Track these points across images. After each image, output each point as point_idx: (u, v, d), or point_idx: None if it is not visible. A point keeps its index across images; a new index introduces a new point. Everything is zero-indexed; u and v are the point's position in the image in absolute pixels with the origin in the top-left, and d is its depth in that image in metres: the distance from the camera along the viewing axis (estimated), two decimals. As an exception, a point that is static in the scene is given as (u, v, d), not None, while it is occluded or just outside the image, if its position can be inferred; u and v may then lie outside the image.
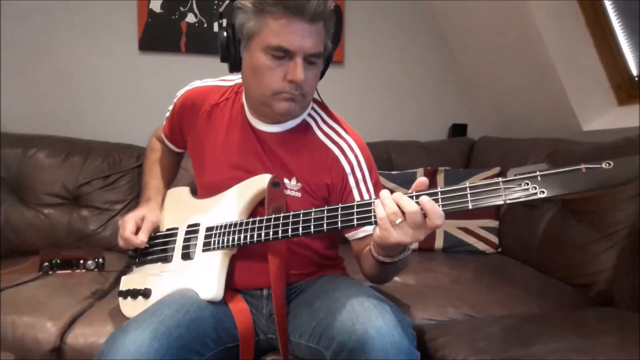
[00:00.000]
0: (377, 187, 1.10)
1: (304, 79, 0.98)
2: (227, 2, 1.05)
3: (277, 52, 0.97)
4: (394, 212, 0.79)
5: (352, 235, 1.08)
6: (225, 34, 1.02)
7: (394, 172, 2.05)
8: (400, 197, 0.80)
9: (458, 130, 2.44)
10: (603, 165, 0.68)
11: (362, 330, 0.83)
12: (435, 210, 0.77)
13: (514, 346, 1.05)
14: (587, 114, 1.90)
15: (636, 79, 1.79)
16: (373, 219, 0.85)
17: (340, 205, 0.90)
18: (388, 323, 0.84)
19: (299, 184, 1.08)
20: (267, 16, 0.96)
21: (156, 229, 1.18)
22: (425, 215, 0.78)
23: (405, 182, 1.98)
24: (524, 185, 0.73)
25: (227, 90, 1.18)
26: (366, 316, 0.85)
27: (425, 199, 0.78)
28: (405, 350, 0.83)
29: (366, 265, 1.03)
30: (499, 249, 1.87)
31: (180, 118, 1.21)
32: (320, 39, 1.00)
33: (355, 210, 0.88)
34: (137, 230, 1.14)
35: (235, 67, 1.06)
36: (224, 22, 1.03)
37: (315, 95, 1.14)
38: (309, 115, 1.14)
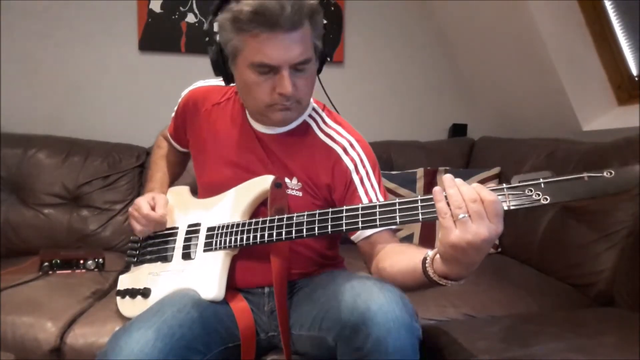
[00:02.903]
0: (381, 185, 1.10)
1: (293, 90, 0.97)
2: (209, 18, 1.03)
3: (262, 68, 0.96)
4: (459, 205, 0.72)
5: (357, 236, 1.06)
6: (213, 51, 1.02)
7: (394, 172, 2.05)
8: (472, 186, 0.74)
9: (458, 130, 2.44)
10: (605, 174, 0.70)
11: (364, 306, 0.83)
12: (493, 197, 0.72)
13: (514, 346, 1.05)
14: (587, 114, 1.90)
15: (636, 79, 1.79)
16: (378, 222, 0.85)
17: (345, 207, 0.90)
18: (389, 298, 0.84)
19: (299, 184, 1.08)
20: (245, 34, 0.95)
21: (163, 223, 1.18)
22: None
23: (405, 182, 1.98)
24: (528, 192, 0.74)
25: (229, 90, 1.18)
26: (367, 293, 0.86)
27: (479, 186, 0.73)
28: (407, 325, 0.83)
29: (398, 276, 0.93)
30: (499, 249, 1.87)
31: (183, 118, 1.22)
32: (305, 45, 0.97)
33: (360, 212, 0.88)
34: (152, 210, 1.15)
35: (229, 80, 1.06)
36: (212, 39, 1.02)
37: (316, 95, 1.14)
38: (310, 116, 1.14)
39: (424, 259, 0.84)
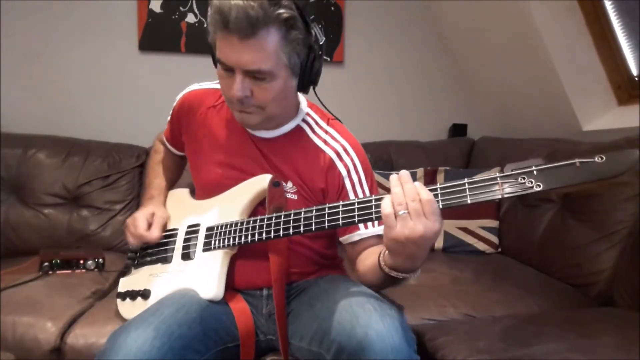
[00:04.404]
0: (373, 190, 1.11)
1: (241, 94, 0.96)
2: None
3: (222, 65, 0.97)
4: (400, 202, 0.79)
5: (346, 238, 1.09)
6: (209, 45, 1.03)
7: (394, 172, 2.04)
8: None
9: (458, 130, 2.44)
10: (596, 159, 0.71)
11: (362, 333, 0.83)
12: (429, 197, 0.79)
13: (514, 346, 1.05)
14: (587, 114, 1.90)
15: (636, 79, 1.79)
16: (374, 216, 0.86)
17: (341, 202, 0.91)
18: (388, 326, 0.84)
19: (294, 187, 1.08)
20: (215, 30, 0.95)
21: (164, 225, 1.18)
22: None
23: (405, 182, 1.98)
24: (521, 180, 0.75)
25: None
26: (366, 319, 0.85)
27: (418, 185, 0.80)
28: (405, 354, 0.83)
29: (367, 273, 1.00)
30: (499, 249, 1.87)
31: (178, 121, 1.22)
32: (262, 55, 0.93)
33: (356, 207, 0.88)
34: (149, 228, 1.15)
35: None
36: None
37: (314, 99, 1.14)
38: (303, 120, 1.13)
39: (379, 255, 0.91)
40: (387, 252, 0.87)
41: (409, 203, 0.78)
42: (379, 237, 1.06)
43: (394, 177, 0.82)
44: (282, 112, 1.07)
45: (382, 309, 0.88)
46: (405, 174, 0.82)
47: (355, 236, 1.07)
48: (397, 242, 0.80)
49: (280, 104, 1.03)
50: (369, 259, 1.00)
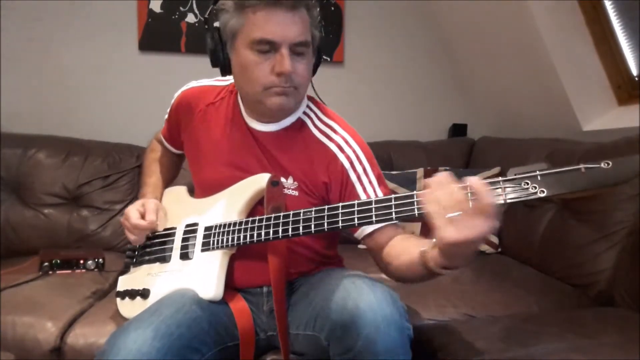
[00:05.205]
0: (381, 180, 1.09)
1: (292, 69, 0.97)
2: (210, 7, 1.04)
3: (262, 45, 0.96)
4: (445, 205, 0.74)
5: (359, 233, 1.06)
6: (211, 38, 1.03)
7: (394, 172, 2.05)
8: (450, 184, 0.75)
9: (458, 130, 2.45)
10: (602, 165, 0.69)
11: (353, 305, 0.84)
12: (484, 189, 0.72)
13: (514, 346, 1.05)
14: (587, 114, 1.90)
15: (636, 79, 1.79)
16: (374, 219, 0.85)
17: (340, 204, 0.90)
18: (379, 297, 0.85)
19: (295, 183, 1.08)
20: (247, 11, 0.96)
21: (158, 210, 1.18)
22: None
23: (405, 182, 1.98)
24: (524, 185, 0.73)
25: (222, 90, 1.18)
26: (357, 292, 0.86)
27: (472, 179, 0.74)
28: (397, 324, 0.84)
29: (403, 269, 0.96)
30: (499, 249, 1.87)
31: (177, 119, 1.22)
32: (304, 27, 0.99)
33: (355, 209, 0.88)
34: (142, 218, 1.14)
35: (226, 70, 1.06)
36: (210, 26, 1.03)
37: (312, 94, 1.14)
38: (304, 113, 1.13)
39: (423, 253, 0.86)
40: (436, 253, 0.81)
41: (457, 205, 0.73)
42: (395, 226, 1.04)
43: (433, 180, 0.76)
44: (304, 95, 1.09)
45: (372, 283, 0.89)
46: (445, 174, 0.76)
47: (368, 228, 1.04)
48: (455, 245, 0.74)
49: (307, 83, 1.06)
50: (403, 255, 0.95)
